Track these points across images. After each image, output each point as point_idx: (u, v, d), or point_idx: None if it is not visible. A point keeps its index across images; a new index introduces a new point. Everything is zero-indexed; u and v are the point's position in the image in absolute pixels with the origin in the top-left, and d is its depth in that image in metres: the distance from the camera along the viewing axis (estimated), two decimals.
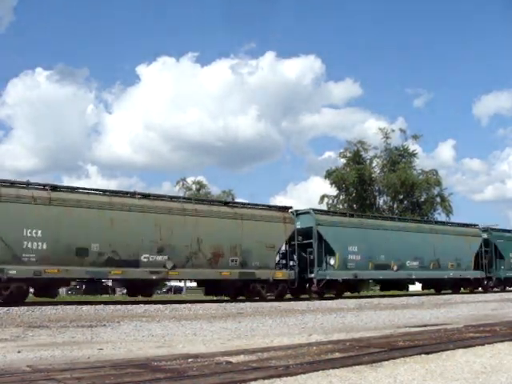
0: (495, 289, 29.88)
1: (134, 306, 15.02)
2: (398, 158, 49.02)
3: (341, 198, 48.34)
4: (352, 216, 24.63)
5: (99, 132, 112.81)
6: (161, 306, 15.16)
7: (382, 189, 48.66)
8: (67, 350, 6.45)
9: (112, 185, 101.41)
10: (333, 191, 47.92)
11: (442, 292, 27.29)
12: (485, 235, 29.41)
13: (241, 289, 19.69)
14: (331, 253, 21.69)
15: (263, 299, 19.13)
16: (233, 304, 16.57)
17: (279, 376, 4.48)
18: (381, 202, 49.86)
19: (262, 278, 19.44)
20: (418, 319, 11.61)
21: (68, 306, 14.28)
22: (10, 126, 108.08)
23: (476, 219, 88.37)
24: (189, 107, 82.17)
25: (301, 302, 18.19)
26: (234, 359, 5.38)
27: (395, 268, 23.72)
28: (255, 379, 4.32)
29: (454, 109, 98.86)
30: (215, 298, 20.80)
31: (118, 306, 14.70)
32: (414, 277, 25.08)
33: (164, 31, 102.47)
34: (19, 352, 6.22)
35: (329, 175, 47.99)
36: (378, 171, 49.67)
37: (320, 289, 21.17)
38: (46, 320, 10.99)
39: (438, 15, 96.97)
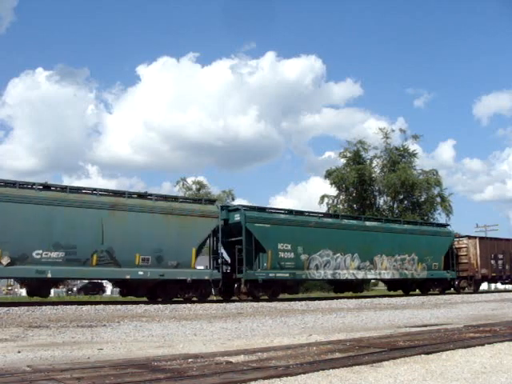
0: (263, 297, 20.25)
1: (134, 306, 15.06)
2: (398, 158, 48.99)
3: (341, 198, 48.33)
4: None
5: (99, 132, 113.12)
6: (161, 305, 15.21)
7: (382, 189, 48.61)
8: (67, 350, 6.44)
9: (112, 185, 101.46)
10: (333, 191, 47.95)
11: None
12: (237, 217, 20.11)
13: None
14: None
15: None
16: (233, 304, 16.59)
17: (279, 376, 4.47)
18: (381, 202, 49.88)
19: None
20: (418, 319, 11.61)
21: (68, 306, 14.33)
22: (10, 126, 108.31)
23: (476, 219, 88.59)
24: (189, 107, 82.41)
25: (300, 302, 18.18)
26: (233, 359, 5.37)
27: (5, 261, 15.48)
28: (255, 379, 4.32)
29: (454, 109, 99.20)
30: (215, 298, 20.51)
31: (118, 306, 14.73)
32: (49, 276, 16.27)
33: (164, 31, 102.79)
34: (19, 352, 6.22)
35: (329, 175, 47.99)
36: (378, 171, 49.68)
37: None
38: (46, 320, 11.00)
39: (438, 15, 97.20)
